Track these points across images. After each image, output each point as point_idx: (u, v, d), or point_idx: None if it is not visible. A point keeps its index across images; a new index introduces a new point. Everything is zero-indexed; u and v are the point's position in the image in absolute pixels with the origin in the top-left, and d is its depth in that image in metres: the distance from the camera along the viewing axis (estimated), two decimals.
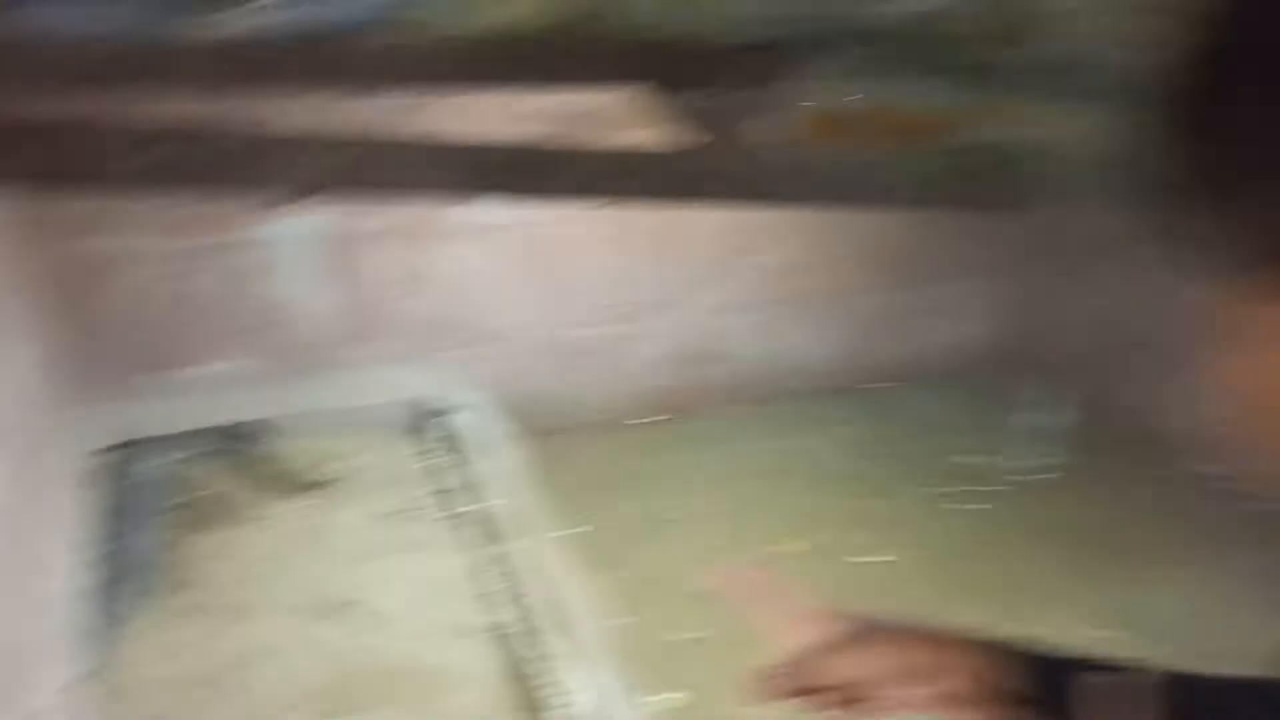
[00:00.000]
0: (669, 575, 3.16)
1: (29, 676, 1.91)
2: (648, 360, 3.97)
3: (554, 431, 3.85)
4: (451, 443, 3.29)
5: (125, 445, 2.99)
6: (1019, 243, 4.19)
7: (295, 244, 3.13)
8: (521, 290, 3.55)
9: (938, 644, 0.78)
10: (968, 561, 3.28)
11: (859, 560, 3.29)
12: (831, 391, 4.43)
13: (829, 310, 4.28)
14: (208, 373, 3.19)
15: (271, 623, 2.48)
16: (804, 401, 4.33)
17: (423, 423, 3.41)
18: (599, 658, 2.46)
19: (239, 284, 3.11)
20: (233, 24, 0.90)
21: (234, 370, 3.23)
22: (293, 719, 2.24)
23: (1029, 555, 3.31)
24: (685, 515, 3.50)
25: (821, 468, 3.90)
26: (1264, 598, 3.02)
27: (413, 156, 0.91)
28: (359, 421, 3.34)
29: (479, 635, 2.52)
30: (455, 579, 2.72)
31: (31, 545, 2.17)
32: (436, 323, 3.47)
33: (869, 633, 0.81)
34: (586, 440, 3.90)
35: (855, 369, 4.48)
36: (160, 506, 2.83)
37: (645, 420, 4.06)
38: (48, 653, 2.10)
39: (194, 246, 3.00)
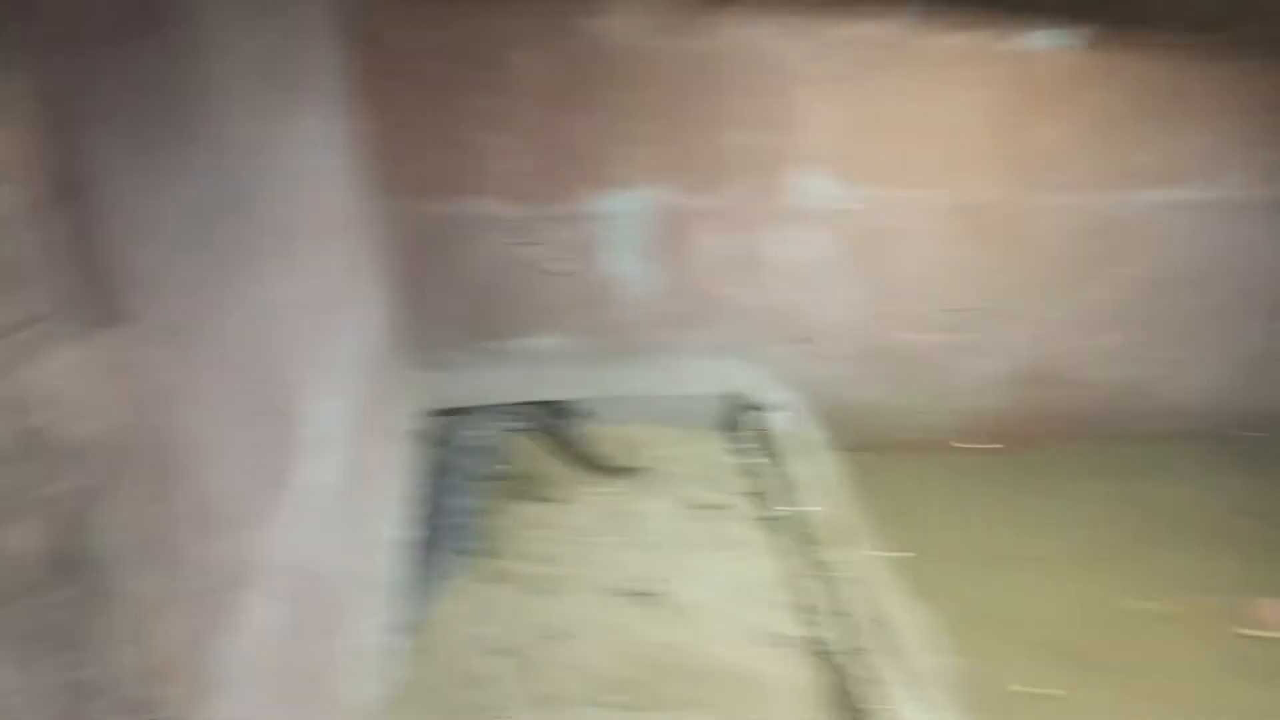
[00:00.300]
0: (1007, 618, 2.72)
1: (352, 611, 1.90)
2: (982, 376, 3.52)
3: (873, 444, 3.52)
4: (765, 442, 3.06)
5: (451, 410, 3.05)
6: None
7: (629, 220, 3.06)
8: (850, 285, 3.26)
9: None
10: None
11: (1259, 634, 2.66)
12: (1197, 435, 3.73)
13: (1205, 337, 3.59)
14: (534, 345, 3.20)
15: (576, 603, 2.37)
16: (1162, 443, 3.67)
17: (737, 418, 3.22)
18: (935, 694, 2.10)
19: (572, 257, 3.10)
20: None
21: (558, 345, 3.21)
22: (591, 706, 2.09)
23: None
24: (1020, 554, 3.03)
25: (1187, 520, 3.25)
26: None
27: None
28: (673, 410, 3.21)
29: (794, 646, 2.25)
30: (767, 583, 2.48)
31: (365, 493, 2.20)
32: (757, 313, 3.27)
33: None
34: (907, 458, 3.52)
35: (1230, 411, 3.75)
36: (478, 473, 2.84)
37: (974, 444, 3.62)
38: (370, 594, 2.10)
39: (534, 216, 3.01)
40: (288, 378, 1.61)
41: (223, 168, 1.34)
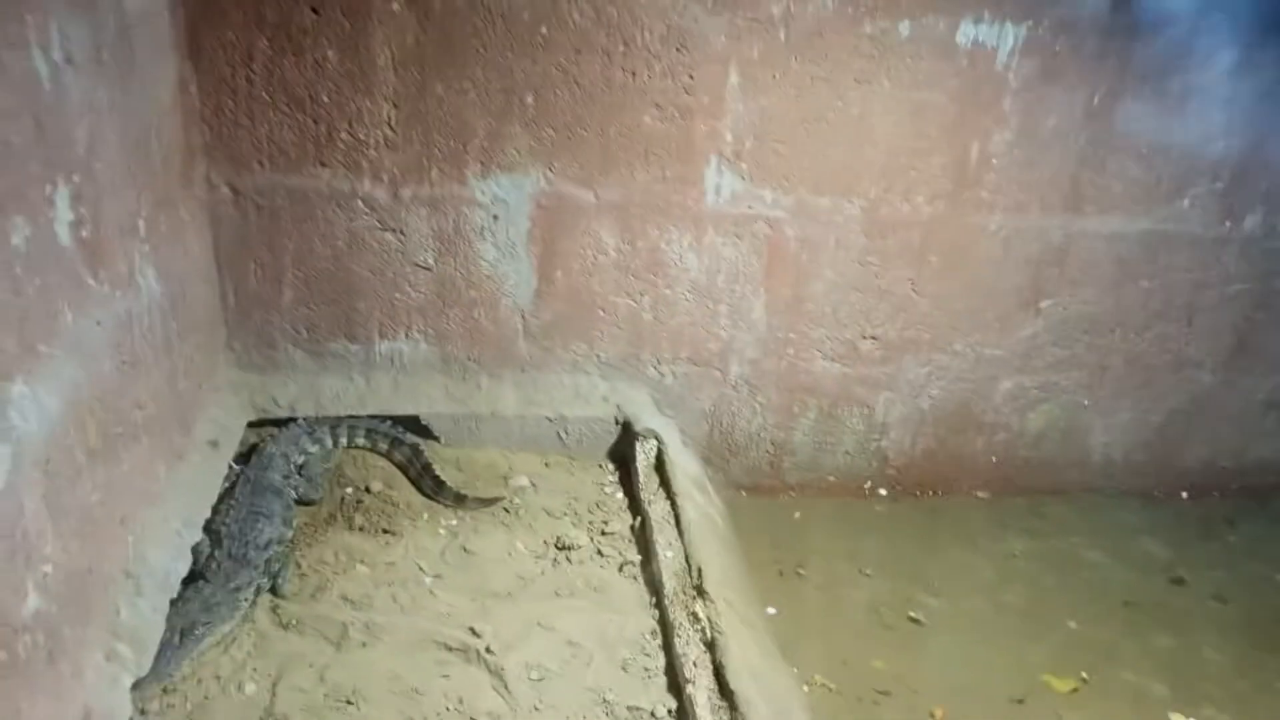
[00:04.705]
0: (895, 689, 2.37)
1: (71, 653, 1.48)
2: (893, 415, 3.19)
3: (769, 484, 3.18)
4: (639, 476, 2.69)
5: (278, 420, 2.64)
6: None
7: (511, 208, 2.66)
8: (752, 300, 2.91)
9: None
10: None
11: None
12: (1127, 493, 3.46)
13: (1140, 387, 3.32)
14: (388, 349, 2.78)
15: (384, 659, 1.96)
16: (1089, 499, 3.40)
17: (609, 448, 2.85)
18: None
19: (440, 249, 2.69)
20: None
21: (416, 351, 2.79)
22: None
23: None
24: (928, 616, 2.70)
25: (1105, 585, 2.97)
26: None
27: None
28: (545, 435, 2.82)
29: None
30: (615, 641, 2.10)
31: (114, 511, 1.79)
32: (651, 327, 2.89)
33: None
34: (807, 502, 3.19)
35: (1165, 469, 3.48)
36: (298, 495, 2.42)
37: (882, 490, 3.29)
38: (106, 632, 1.67)
39: (398, 196, 2.60)
40: None
41: None
